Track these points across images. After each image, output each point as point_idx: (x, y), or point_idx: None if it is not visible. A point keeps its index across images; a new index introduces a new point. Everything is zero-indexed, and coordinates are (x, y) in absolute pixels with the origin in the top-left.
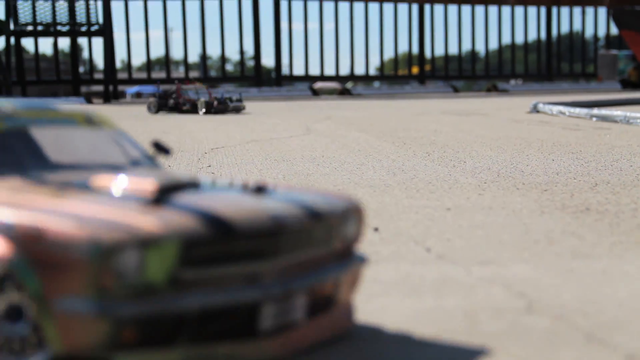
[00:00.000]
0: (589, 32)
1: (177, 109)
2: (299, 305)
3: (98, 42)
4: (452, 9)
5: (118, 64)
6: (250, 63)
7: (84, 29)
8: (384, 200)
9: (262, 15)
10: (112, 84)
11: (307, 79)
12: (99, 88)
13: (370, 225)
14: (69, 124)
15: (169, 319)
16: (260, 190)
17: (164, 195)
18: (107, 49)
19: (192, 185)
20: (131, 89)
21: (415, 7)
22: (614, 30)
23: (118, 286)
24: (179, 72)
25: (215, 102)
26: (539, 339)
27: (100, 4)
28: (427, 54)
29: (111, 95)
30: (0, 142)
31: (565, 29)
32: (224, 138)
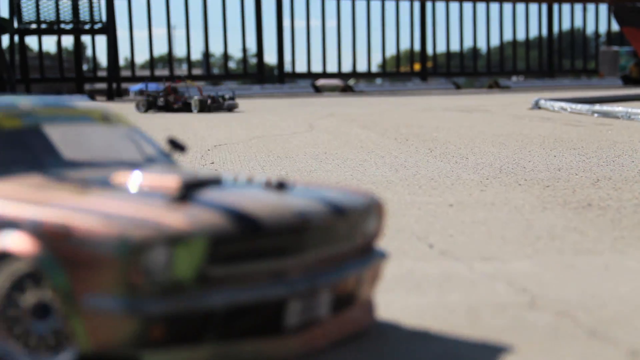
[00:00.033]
0: (590, 29)
1: (168, 108)
2: (323, 302)
3: (101, 40)
4: (454, 5)
5: (121, 62)
6: (253, 60)
7: (87, 27)
8: (386, 196)
9: (264, 13)
10: (115, 82)
11: (310, 76)
12: (103, 86)
13: None
14: (85, 121)
15: (197, 316)
16: (282, 186)
17: (189, 192)
18: (111, 47)
19: (214, 182)
20: (134, 87)
21: (417, 4)
22: (615, 27)
23: (146, 283)
24: (182, 70)
25: (209, 100)
26: (542, 335)
27: (103, 2)
28: (429, 50)
29: (114, 93)
30: (19, 139)
31: (566, 25)
32: (227, 135)
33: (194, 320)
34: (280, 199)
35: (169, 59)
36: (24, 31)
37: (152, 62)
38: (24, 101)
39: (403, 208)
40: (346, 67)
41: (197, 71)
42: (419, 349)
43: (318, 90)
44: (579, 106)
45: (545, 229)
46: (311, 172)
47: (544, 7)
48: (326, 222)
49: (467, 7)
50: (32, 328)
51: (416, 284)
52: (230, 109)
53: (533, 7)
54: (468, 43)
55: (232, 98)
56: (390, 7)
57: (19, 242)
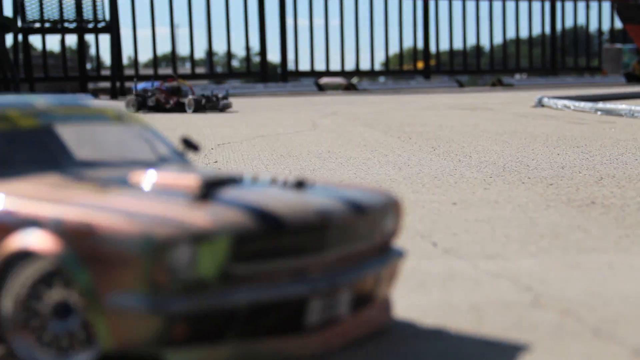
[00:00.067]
0: (593, 26)
1: (159, 108)
2: (343, 300)
3: (105, 39)
4: (457, 3)
5: (125, 61)
6: (256, 59)
7: (91, 25)
8: None
9: (267, 11)
10: (119, 81)
11: (313, 74)
12: (106, 84)
13: None
14: (101, 120)
15: (219, 314)
16: (301, 185)
17: (210, 190)
18: (114, 46)
19: (233, 180)
20: (139, 85)
21: (420, 2)
22: (618, 24)
23: (170, 282)
24: (185, 69)
25: (204, 100)
26: (546, 333)
27: (107, 1)
28: (432, 48)
29: (118, 92)
30: (36, 138)
31: (569, 23)
32: (231, 133)
33: (217, 318)
34: (300, 197)
35: (172, 58)
36: (28, 30)
37: (156, 61)
38: (40, 100)
39: (406, 206)
40: (349, 66)
41: (200, 70)
42: (422, 347)
43: (321, 88)
44: (582, 104)
45: (549, 227)
46: (314, 170)
47: (547, 4)
48: (346, 220)
49: (470, 5)
50: (53, 327)
51: (420, 282)
52: (223, 109)
53: (536, 4)
54: (471, 41)
55: (225, 97)
56: (393, 5)
57: (40, 241)
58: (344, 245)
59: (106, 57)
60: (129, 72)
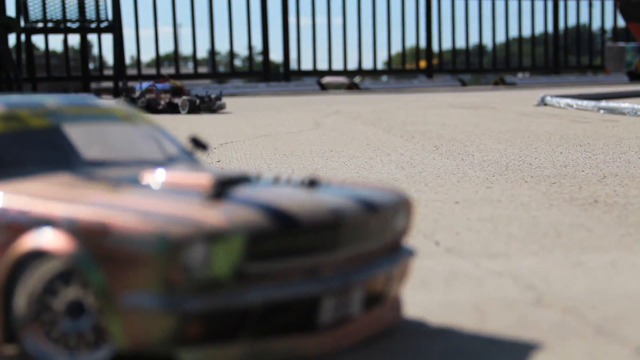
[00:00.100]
0: (596, 25)
1: (151, 109)
2: (355, 299)
3: (107, 39)
4: (459, 2)
5: (127, 60)
6: (259, 58)
7: (93, 25)
8: None
9: (270, 11)
10: (121, 80)
11: (315, 73)
12: (109, 84)
13: None
14: (110, 120)
15: (233, 313)
16: (313, 184)
17: (223, 189)
18: (117, 46)
19: (245, 179)
20: (143, 84)
21: (422, 1)
22: (621, 23)
23: (185, 281)
24: (188, 68)
25: (198, 101)
26: (549, 332)
27: (109, 1)
28: (435, 47)
29: (121, 92)
30: (46, 138)
31: (572, 21)
32: (233, 133)
33: (231, 317)
34: (313, 196)
35: (175, 57)
36: (31, 30)
37: (158, 61)
38: (50, 100)
39: None
40: (352, 65)
41: (202, 69)
42: (425, 346)
43: (324, 87)
44: (585, 102)
45: (551, 226)
46: (317, 170)
47: (550, 3)
48: (359, 219)
49: (473, 3)
50: (66, 326)
51: (422, 281)
52: (218, 109)
53: (539, 3)
54: (474, 40)
55: (218, 98)
56: (395, 4)
57: (54, 241)
58: (356, 244)
59: (109, 57)
60: (132, 71)
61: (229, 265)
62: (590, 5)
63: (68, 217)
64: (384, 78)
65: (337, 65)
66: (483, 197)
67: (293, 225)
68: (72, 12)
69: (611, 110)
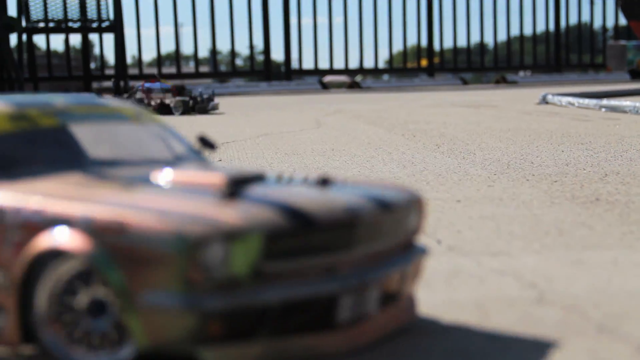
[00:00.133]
0: (597, 23)
1: None
2: (372, 297)
3: (109, 38)
4: (461, 1)
5: (129, 60)
6: (260, 57)
7: (95, 25)
8: None
9: (271, 10)
10: (123, 80)
11: (317, 72)
12: (110, 84)
13: None
14: (118, 119)
15: (252, 312)
16: (325, 182)
17: (237, 188)
18: (118, 45)
19: (257, 178)
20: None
21: (423, 0)
22: (623, 21)
23: (204, 280)
24: (189, 67)
25: (191, 102)
26: (551, 329)
27: (110, 0)
28: (436, 46)
29: (122, 91)
30: (56, 137)
31: (573, 19)
32: (235, 132)
33: (250, 316)
34: (328, 195)
35: (176, 57)
36: (32, 30)
37: (160, 60)
38: (58, 100)
39: None
40: (353, 64)
41: (204, 68)
42: (428, 344)
43: (325, 86)
44: (587, 101)
45: (553, 224)
46: (318, 169)
47: (551, 1)
48: (374, 217)
49: (474, 2)
50: (86, 325)
51: (424, 279)
52: (212, 110)
53: (540, 1)
54: (475, 38)
55: (210, 98)
56: (397, 2)
57: (70, 240)
58: (372, 243)
59: (110, 57)
60: (133, 71)
61: (247, 264)
62: (591, 3)
63: (84, 217)
64: (386, 77)
65: (339, 64)
66: (485, 196)
67: (310, 224)
68: (74, 11)
69: (613, 109)
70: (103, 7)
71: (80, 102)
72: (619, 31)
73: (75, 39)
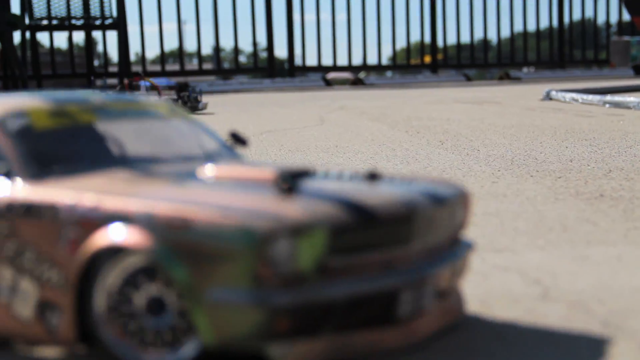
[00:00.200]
0: (601, 19)
1: None
2: (429, 292)
3: (112, 36)
4: None
5: (132, 57)
6: (263, 54)
7: (98, 22)
8: None
9: (274, 7)
10: (126, 77)
11: (320, 69)
12: (114, 81)
13: None
14: (153, 115)
15: (318, 308)
16: (374, 177)
17: (294, 183)
18: (121, 42)
19: (305, 173)
20: (146, 82)
21: None
22: (626, 17)
23: (272, 275)
24: (193, 65)
25: (180, 102)
26: (555, 326)
27: None
28: (439, 42)
29: (126, 89)
30: (96, 133)
31: (577, 15)
32: (238, 129)
33: (316, 311)
34: (383, 189)
35: (179, 54)
36: (35, 27)
37: (163, 57)
38: (95, 96)
39: None
40: (357, 60)
41: (207, 65)
42: (431, 341)
43: (329, 83)
44: (591, 97)
45: (557, 220)
46: (322, 166)
47: None
48: (429, 212)
49: None
50: (147, 324)
51: None
52: (200, 110)
53: None
54: (478, 34)
55: (196, 98)
56: None
57: (131, 236)
58: (426, 237)
59: (113, 54)
60: (137, 68)
61: (313, 259)
62: None
63: (145, 213)
64: (389, 73)
65: (342, 61)
66: (489, 192)
67: (371, 219)
68: (77, 9)
69: (616, 105)
70: (106, 4)
71: (116, 98)
72: (622, 27)
73: (79, 37)
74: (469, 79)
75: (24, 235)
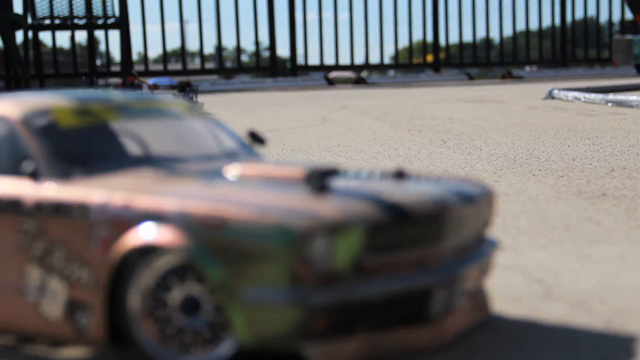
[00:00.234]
0: (603, 18)
1: None
2: (459, 290)
3: (115, 35)
4: None
5: (135, 57)
6: (266, 54)
7: (100, 22)
8: None
9: (276, 6)
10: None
11: (322, 68)
12: (116, 80)
13: None
14: (174, 114)
15: (355, 306)
16: (401, 176)
17: (325, 182)
18: (124, 42)
19: (332, 172)
20: (150, 80)
21: None
22: (629, 15)
23: (310, 274)
24: (195, 64)
25: None
26: (558, 325)
27: None
28: (442, 41)
29: (128, 87)
30: (120, 132)
31: (579, 14)
32: (240, 128)
33: (352, 310)
34: (413, 187)
35: (182, 53)
36: (38, 27)
37: (165, 57)
38: (117, 95)
39: None
40: (359, 59)
41: (210, 65)
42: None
43: (331, 82)
44: (593, 95)
45: (559, 219)
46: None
47: None
48: (459, 210)
49: None
50: (181, 324)
51: None
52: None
53: None
54: (481, 33)
55: (191, 99)
56: None
57: (166, 235)
58: (457, 236)
59: (116, 53)
60: (139, 67)
61: (349, 258)
62: None
63: (179, 211)
64: (391, 72)
65: (344, 60)
66: None
67: (405, 217)
68: (79, 8)
69: (619, 103)
70: (109, 3)
71: (138, 97)
72: (625, 25)
73: (81, 36)
74: (471, 77)
75: (53, 234)
